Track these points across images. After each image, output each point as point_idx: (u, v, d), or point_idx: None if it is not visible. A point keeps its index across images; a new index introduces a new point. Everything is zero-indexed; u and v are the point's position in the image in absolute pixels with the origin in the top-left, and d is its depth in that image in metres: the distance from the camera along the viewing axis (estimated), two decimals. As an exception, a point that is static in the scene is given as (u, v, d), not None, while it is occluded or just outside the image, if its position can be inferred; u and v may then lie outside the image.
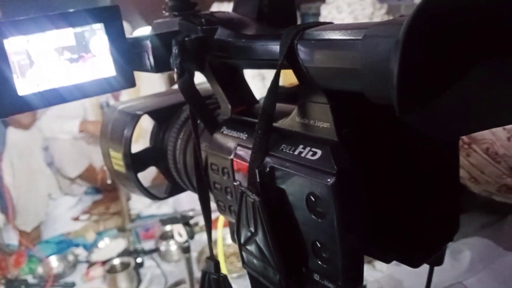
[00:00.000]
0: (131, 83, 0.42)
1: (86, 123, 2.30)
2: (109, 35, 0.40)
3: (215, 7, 2.05)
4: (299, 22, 0.43)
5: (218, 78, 0.40)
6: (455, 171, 0.32)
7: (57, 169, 2.38)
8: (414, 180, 0.31)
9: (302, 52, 0.28)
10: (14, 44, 0.37)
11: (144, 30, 0.48)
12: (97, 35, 0.40)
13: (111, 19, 0.40)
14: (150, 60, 0.40)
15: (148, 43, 0.39)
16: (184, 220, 1.18)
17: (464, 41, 0.21)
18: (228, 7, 2.03)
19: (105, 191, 2.45)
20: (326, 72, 0.27)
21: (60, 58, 0.39)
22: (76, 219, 2.27)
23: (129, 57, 0.41)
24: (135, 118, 0.47)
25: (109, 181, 2.30)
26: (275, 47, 0.31)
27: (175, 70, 0.37)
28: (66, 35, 0.39)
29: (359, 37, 0.24)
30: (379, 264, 1.23)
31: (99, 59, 0.40)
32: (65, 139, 2.30)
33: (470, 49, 0.22)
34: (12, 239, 2.04)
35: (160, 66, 0.39)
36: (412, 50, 0.20)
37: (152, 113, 0.48)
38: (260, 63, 0.34)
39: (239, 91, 0.41)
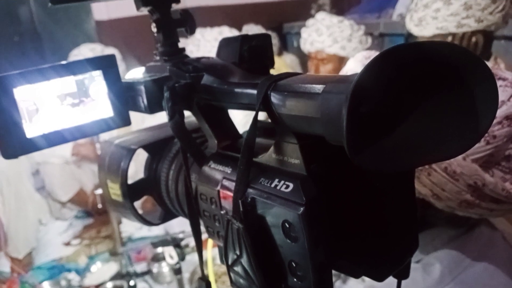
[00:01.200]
0: (127, 122, 0.47)
1: (78, 146, 2.33)
2: (107, 81, 0.45)
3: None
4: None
5: (205, 117, 0.45)
6: (411, 195, 0.37)
7: (48, 193, 2.40)
8: (376, 205, 0.36)
9: (274, 100, 0.33)
10: (23, 93, 0.41)
11: (138, 71, 0.53)
12: (96, 81, 0.45)
13: (108, 66, 0.45)
14: (144, 102, 0.45)
15: (142, 87, 0.44)
16: (175, 242, 1.22)
17: (401, 93, 0.27)
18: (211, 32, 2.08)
19: (96, 215, 2.47)
20: (294, 118, 0.32)
21: (63, 103, 0.44)
22: (68, 244, 2.28)
23: (125, 99, 0.46)
24: (131, 152, 0.52)
25: (100, 205, 2.32)
26: (253, 94, 0.36)
27: (167, 112, 0.42)
28: (68, 82, 0.44)
29: (319, 91, 0.29)
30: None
31: (98, 102, 0.45)
32: (56, 163, 2.33)
33: (407, 98, 0.27)
34: (4, 266, 2.05)
35: (153, 108, 0.44)
36: (358, 105, 0.25)
37: (146, 147, 0.52)
38: (241, 106, 0.39)
39: (224, 127, 0.46)
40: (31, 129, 0.42)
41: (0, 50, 6.00)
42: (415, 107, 0.27)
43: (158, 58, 0.49)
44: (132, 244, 2.12)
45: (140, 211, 0.53)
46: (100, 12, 3.89)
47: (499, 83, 0.62)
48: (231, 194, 0.37)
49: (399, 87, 0.27)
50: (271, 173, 0.35)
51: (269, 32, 3.03)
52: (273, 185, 0.33)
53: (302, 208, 0.30)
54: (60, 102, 0.43)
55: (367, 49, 2.02)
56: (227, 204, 0.38)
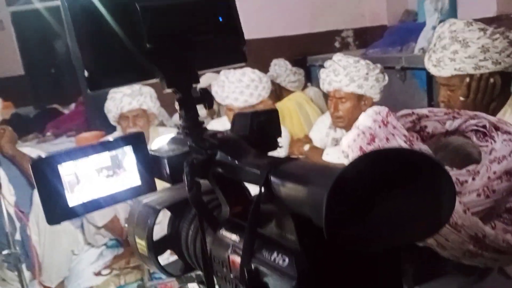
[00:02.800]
0: (153, 189, 0.54)
1: None
2: (136, 154, 0.53)
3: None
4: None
5: (219, 185, 0.52)
6: (396, 268, 0.42)
7: (85, 218, 2.50)
8: (364, 272, 0.41)
9: (273, 182, 0.40)
10: (66, 168, 0.49)
11: (164, 140, 0.61)
12: (127, 155, 0.52)
13: (138, 142, 0.53)
14: (167, 173, 0.52)
15: (166, 161, 0.52)
16: (199, 279, 1.27)
17: (374, 187, 0.33)
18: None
19: (126, 244, 2.56)
20: (289, 198, 0.38)
21: (100, 175, 0.51)
22: (98, 273, 2.37)
23: (151, 169, 0.54)
24: (156, 212, 0.59)
25: (129, 236, 2.41)
26: (257, 174, 0.43)
27: (186, 184, 0.49)
28: (104, 157, 0.51)
29: (308, 182, 0.35)
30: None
31: (128, 173, 0.53)
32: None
33: (379, 192, 0.33)
34: (38, 295, 2.14)
35: (175, 179, 0.52)
36: (336, 198, 0.31)
37: (169, 207, 0.60)
38: (248, 181, 0.46)
39: (236, 194, 0.52)
40: (73, 199, 0.50)
41: (38, 81, 6.32)
42: (385, 199, 0.33)
43: (180, 131, 0.57)
44: (159, 278, 2.19)
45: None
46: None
47: (503, 136, 0.66)
48: (238, 260, 0.43)
49: (372, 183, 0.33)
50: (272, 246, 0.41)
51: (295, 69, 3.10)
52: (272, 258, 0.39)
53: (294, 281, 0.36)
54: (97, 174, 0.51)
55: (384, 86, 2.07)
56: (236, 268, 0.44)
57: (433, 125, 0.70)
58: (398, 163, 0.33)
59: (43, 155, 0.48)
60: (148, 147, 0.55)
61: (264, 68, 3.34)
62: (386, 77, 2.06)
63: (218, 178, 0.52)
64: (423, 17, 3.26)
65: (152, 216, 0.59)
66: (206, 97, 0.57)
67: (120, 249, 2.60)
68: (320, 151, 2.04)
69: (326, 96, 3.49)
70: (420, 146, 0.64)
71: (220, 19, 0.57)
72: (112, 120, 2.46)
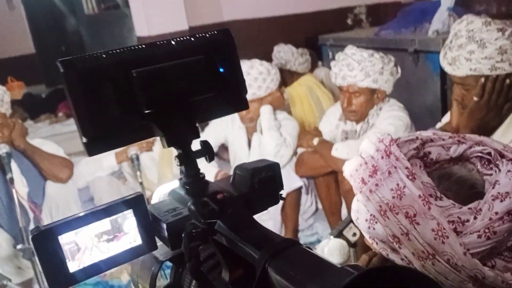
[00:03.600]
0: (153, 248, 0.54)
1: (119, 153, 2.45)
2: (137, 217, 0.53)
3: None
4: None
5: (219, 249, 0.52)
6: None
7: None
8: None
9: (270, 273, 0.40)
10: (66, 238, 0.49)
11: (165, 189, 0.61)
12: (128, 219, 0.52)
13: (137, 205, 0.53)
14: (166, 238, 0.52)
15: (165, 226, 0.51)
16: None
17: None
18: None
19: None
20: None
21: (100, 241, 0.51)
22: (111, 261, 2.42)
23: (152, 229, 0.54)
24: (160, 263, 0.59)
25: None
26: (255, 256, 0.42)
27: (185, 253, 0.49)
28: (104, 223, 0.51)
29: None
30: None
31: (129, 235, 0.53)
32: (103, 176, 2.48)
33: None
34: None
35: (174, 246, 0.51)
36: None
37: (172, 259, 0.60)
38: (245, 257, 0.45)
39: (236, 259, 0.52)
40: (73, 265, 0.50)
41: (49, 59, 6.32)
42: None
43: (181, 186, 0.56)
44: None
45: None
46: (141, 28, 4.03)
47: (508, 166, 0.64)
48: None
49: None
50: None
51: (301, 50, 3.04)
52: None
53: None
54: (97, 240, 0.51)
55: (397, 80, 2.03)
56: None
57: (437, 152, 0.68)
58: (397, 281, 0.32)
59: (43, 227, 0.48)
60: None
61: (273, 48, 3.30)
62: (399, 70, 2.03)
63: (218, 243, 0.51)
64: (438, -5, 3.16)
65: (156, 267, 0.59)
66: (207, 150, 0.57)
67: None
68: (329, 145, 2.02)
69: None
70: (423, 179, 0.63)
71: (222, 70, 0.56)
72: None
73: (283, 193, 0.58)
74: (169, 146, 0.54)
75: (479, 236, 0.59)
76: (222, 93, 0.55)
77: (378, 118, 2.01)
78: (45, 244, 0.48)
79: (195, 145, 0.56)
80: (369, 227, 0.63)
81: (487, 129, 1.50)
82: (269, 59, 3.23)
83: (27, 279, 2.26)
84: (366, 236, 0.66)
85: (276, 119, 2.18)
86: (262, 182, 0.55)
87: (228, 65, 0.56)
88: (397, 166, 0.62)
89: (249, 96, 2.09)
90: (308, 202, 2.36)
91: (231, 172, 2.18)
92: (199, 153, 0.56)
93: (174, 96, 0.51)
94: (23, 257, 1.96)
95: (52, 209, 2.22)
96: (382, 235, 0.62)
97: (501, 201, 0.60)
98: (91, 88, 0.49)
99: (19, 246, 1.86)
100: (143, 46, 0.52)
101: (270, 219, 2.21)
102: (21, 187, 2.14)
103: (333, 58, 2.27)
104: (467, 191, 0.65)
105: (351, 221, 1.27)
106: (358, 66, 1.91)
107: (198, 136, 0.56)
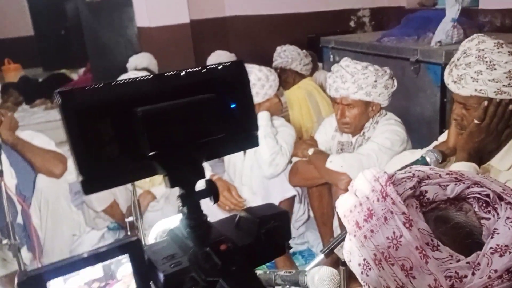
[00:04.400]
0: (149, 294, 0.50)
1: None
2: (133, 262, 0.49)
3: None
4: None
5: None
6: None
7: (84, 202, 2.50)
8: None
9: None
10: (55, 284, 0.45)
11: (163, 225, 0.57)
12: (123, 264, 0.48)
13: (135, 249, 0.49)
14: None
15: (163, 276, 0.48)
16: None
17: None
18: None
19: (126, 228, 2.56)
20: None
21: (91, 288, 0.47)
22: (98, 257, 2.38)
23: (147, 277, 0.50)
24: None
25: (129, 218, 2.40)
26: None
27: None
28: (96, 269, 0.47)
29: None
30: None
31: (122, 282, 0.49)
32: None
33: None
34: (38, 278, 2.16)
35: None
36: None
37: None
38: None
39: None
40: (62, 314, 0.46)
41: (47, 42, 6.22)
42: None
43: (182, 227, 0.52)
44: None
45: None
46: (142, 19, 3.96)
47: (507, 212, 0.61)
48: None
49: None
50: None
51: (305, 52, 3.00)
52: None
53: None
54: (87, 287, 0.47)
55: (395, 90, 1.99)
56: None
57: (433, 191, 0.65)
58: None
59: (30, 273, 0.44)
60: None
61: (276, 45, 3.25)
62: (395, 83, 1.99)
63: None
64: (443, 2, 3.12)
65: None
66: (212, 191, 0.53)
67: (122, 232, 2.60)
68: (324, 156, 1.97)
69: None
70: (420, 225, 0.59)
71: (233, 106, 0.52)
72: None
73: (290, 242, 0.54)
74: (172, 186, 0.50)
75: None
76: (233, 132, 0.52)
77: (375, 131, 1.98)
78: (32, 292, 0.44)
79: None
80: (362, 272, 0.61)
81: (484, 152, 1.48)
82: (268, 57, 3.18)
83: (12, 271, 2.22)
84: (359, 278, 0.63)
85: (273, 126, 2.13)
86: (269, 232, 0.51)
87: (240, 100, 0.52)
88: (393, 211, 0.58)
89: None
90: (300, 211, 2.33)
91: (225, 177, 2.14)
92: (203, 194, 0.52)
93: (181, 138, 0.47)
94: (9, 250, 1.91)
95: (42, 202, 2.16)
96: (376, 284, 0.59)
97: (500, 255, 0.57)
98: (90, 125, 0.45)
99: (4, 241, 1.81)
100: (150, 78, 0.48)
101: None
102: (9, 179, 2.08)
103: (334, 61, 2.22)
104: (464, 239, 0.62)
105: (343, 239, 1.24)
106: (351, 78, 1.87)
107: (204, 177, 0.52)
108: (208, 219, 0.54)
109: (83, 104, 0.44)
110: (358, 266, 0.61)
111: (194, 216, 0.52)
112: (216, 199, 0.53)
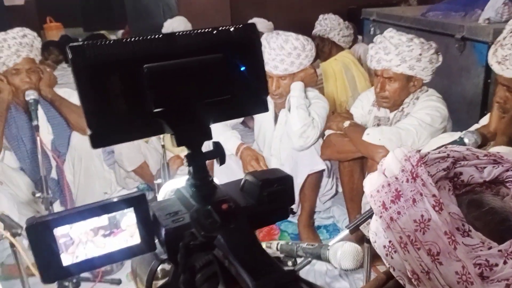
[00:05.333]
0: (152, 248, 0.52)
1: None
2: (137, 215, 0.50)
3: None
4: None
5: (217, 261, 0.49)
6: None
7: (116, 161, 2.58)
8: None
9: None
10: (61, 231, 0.48)
11: (172, 184, 0.58)
12: (127, 216, 0.50)
13: (140, 204, 0.50)
14: (164, 245, 0.49)
15: (163, 231, 0.49)
16: None
17: None
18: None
19: (155, 190, 2.63)
20: None
21: (96, 235, 0.49)
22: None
23: (152, 230, 0.51)
24: (159, 260, 0.57)
25: (158, 180, 2.46)
26: (251, 283, 0.40)
27: (180, 266, 0.46)
28: (101, 219, 0.49)
29: None
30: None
31: (127, 232, 0.51)
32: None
33: None
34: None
35: (171, 252, 0.49)
36: None
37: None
38: (239, 280, 0.43)
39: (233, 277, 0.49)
40: (67, 258, 0.48)
41: (90, 2, 6.31)
42: None
43: (188, 186, 0.54)
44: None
45: None
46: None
47: None
48: None
49: None
50: None
51: (347, 23, 2.92)
52: None
53: None
54: (93, 234, 0.49)
55: (437, 67, 1.91)
56: None
57: (469, 173, 0.61)
58: None
59: (38, 219, 0.47)
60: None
61: (315, 15, 3.18)
62: (440, 58, 1.90)
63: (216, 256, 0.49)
64: (496, -22, 2.95)
65: (155, 264, 0.58)
66: (219, 153, 0.53)
67: (151, 193, 2.67)
68: (361, 129, 1.92)
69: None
70: (451, 208, 0.57)
71: (243, 69, 0.52)
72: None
73: (294, 207, 0.55)
74: (178, 145, 0.51)
75: (508, 286, 0.52)
76: (240, 94, 0.51)
77: (414, 107, 1.91)
78: (40, 236, 0.47)
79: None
80: (386, 254, 0.59)
81: None
82: (306, 28, 3.12)
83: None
84: (383, 260, 0.62)
85: (306, 97, 2.09)
86: (271, 195, 0.51)
87: (251, 64, 0.52)
88: (423, 193, 0.55)
89: (280, 72, 2.04)
90: (328, 185, 2.31)
91: (254, 147, 2.14)
92: (210, 155, 0.53)
93: (186, 97, 0.47)
94: (42, 203, 2.00)
95: (75, 159, 2.24)
96: (400, 267, 0.57)
97: None
98: (100, 80, 0.46)
99: (38, 195, 1.89)
100: (160, 36, 0.48)
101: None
102: (46, 135, 2.16)
103: (375, 34, 2.14)
104: (498, 225, 0.58)
105: (370, 216, 1.22)
106: (395, 50, 1.80)
107: (211, 138, 0.53)
108: (215, 180, 0.55)
109: (93, 59, 0.45)
110: (383, 248, 0.60)
111: (199, 176, 0.53)
112: (222, 161, 0.54)
